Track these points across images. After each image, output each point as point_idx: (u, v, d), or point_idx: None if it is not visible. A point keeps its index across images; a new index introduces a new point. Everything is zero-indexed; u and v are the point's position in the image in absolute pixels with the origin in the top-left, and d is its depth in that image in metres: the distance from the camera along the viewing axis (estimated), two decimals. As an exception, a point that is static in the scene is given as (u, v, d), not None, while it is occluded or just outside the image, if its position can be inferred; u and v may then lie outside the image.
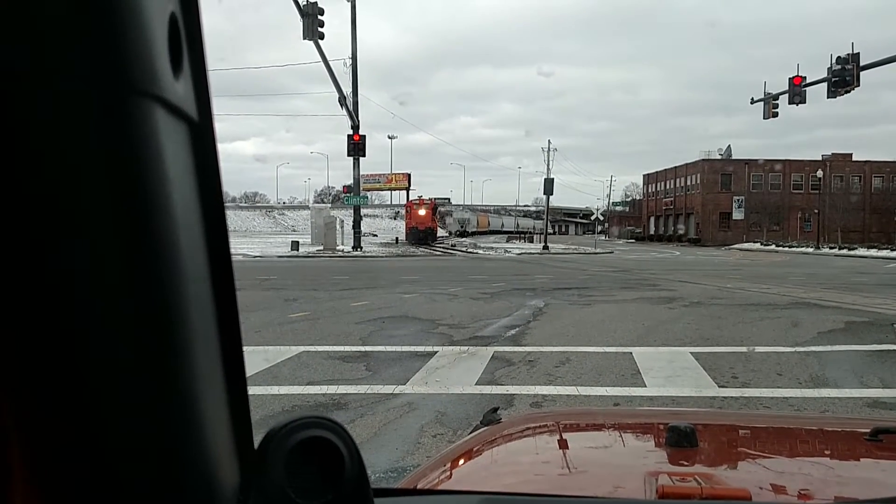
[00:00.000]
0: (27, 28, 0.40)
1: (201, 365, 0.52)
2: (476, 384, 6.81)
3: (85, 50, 0.42)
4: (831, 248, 50.51)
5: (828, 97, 24.51)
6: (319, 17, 29.40)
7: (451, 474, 1.40)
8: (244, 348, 0.61)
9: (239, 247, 37.27)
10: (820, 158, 73.07)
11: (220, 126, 0.56)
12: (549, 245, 47.86)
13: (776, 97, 27.22)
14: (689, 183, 78.62)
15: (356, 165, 37.84)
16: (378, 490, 0.67)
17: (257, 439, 0.63)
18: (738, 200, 72.14)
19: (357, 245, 38.01)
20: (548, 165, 54.30)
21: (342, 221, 43.54)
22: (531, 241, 62.76)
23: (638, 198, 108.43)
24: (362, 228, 41.31)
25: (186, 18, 0.50)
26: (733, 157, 77.16)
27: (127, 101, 0.44)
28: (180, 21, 0.49)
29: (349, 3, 36.10)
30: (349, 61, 36.28)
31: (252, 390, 5.49)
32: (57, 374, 0.45)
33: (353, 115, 35.94)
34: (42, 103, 0.41)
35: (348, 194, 42.16)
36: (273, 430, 0.61)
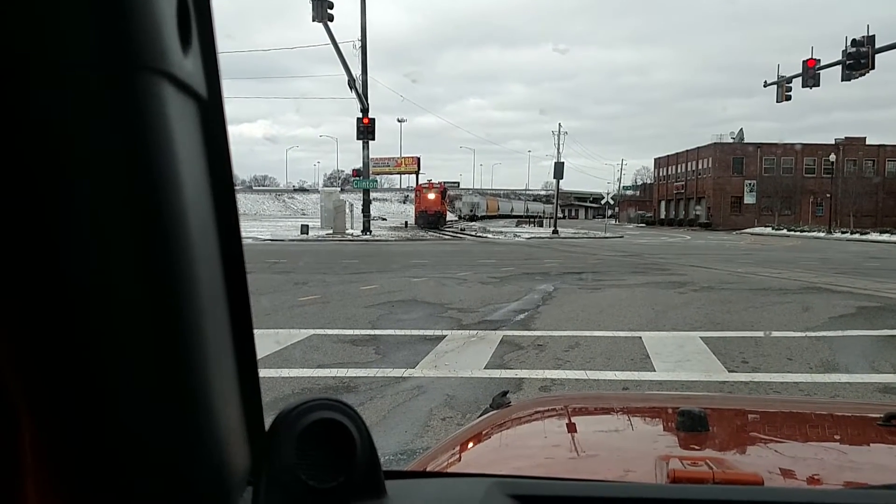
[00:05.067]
0: (37, 6, 0.40)
1: (212, 347, 0.52)
2: (485, 368, 6.83)
3: (92, 24, 0.41)
4: (843, 232, 50.16)
5: (842, 80, 24.23)
6: (329, -1, 29.24)
7: (460, 457, 1.40)
8: (255, 331, 0.60)
9: (249, 230, 37.38)
10: (833, 142, 72.36)
11: (226, 108, 0.55)
12: (559, 229, 47.74)
13: (790, 80, 26.93)
14: (700, 167, 78.10)
15: (365, 149, 37.76)
16: (388, 472, 0.67)
17: (268, 421, 0.63)
18: (750, 184, 71.66)
19: (366, 229, 38.04)
20: (558, 149, 54.05)
21: (351, 205, 43.57)
22: (541, 226, 62.63)
23: (649, 182, 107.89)
24: (371, 212, 41.32)
25: None
26: (746, 140, 76.55)
27: (135, 77, 0.43)
28: None
29: (358, -15, 35.87)
30: (358, 43, 36.14)
31: (263, 372, 5.53)
32: (67, 357, 0.45)
33: (363, 97, 35.82)
34: (50, 80, 0.41)
35: (358, 178, 42.07)
36: (284, 411, 0.61)
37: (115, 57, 0.42)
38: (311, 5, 29.12)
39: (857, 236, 46.57)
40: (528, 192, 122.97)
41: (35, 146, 0.41)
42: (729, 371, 6.72)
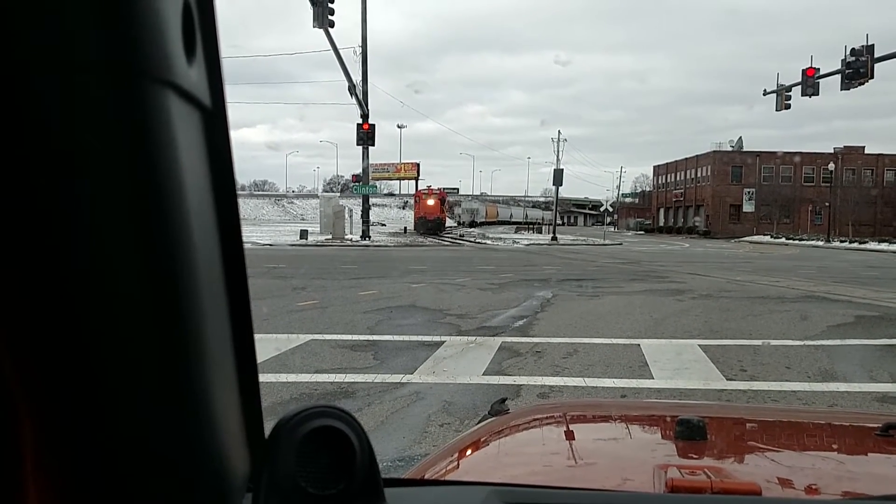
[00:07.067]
0: (41, 14, 0.40)
1: (213, 352, 0.52)
2: (483, 374, 6.82)
3: (99, 36, 0.42)
4: (842, 241, 50.19)
5: (841, 89, 24.30)
6: (329, 4, 29.26)
7: (458, 465, 1.40)
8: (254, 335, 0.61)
9: (248, 235, 37.32)
10: (832, 151, 72.51)
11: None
12: (558, 236, 47.75)
13: (789, 89, 26.99)
14: (699, 174, 78.17)
15: (365, 154, 37.80)
16: (387, 480, 0.67)
17: (267, 427, 0.63)
18: (749, 193, 71.70)
19: (366, 234, 38.03)
20: (557, 156, 54.14)
21: (351, 210, 43.56)
22: (540, 232, 62.67)
23: (648, 189, 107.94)
24: (371, 218, 41.32)
25: (200, 5, 0.49)
26: (745, 148, 76.68)
27: (141, 88, 0.44)
28: (194, 7, 0.48)
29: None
30: (358, 49, 36.18)
31: (262, 377, 5.52)
32: (68, 361, 0.45)
33: (363, 103, 35.86)
34: (55, 90, 0.41)
35: (357, 183, 42.11)
36: (284, 419, 0.61)
37: (119, 65, 0.42)
38: (311, 11, 29.16)
39: (855, 245, 46.59)
40: (527, 198, 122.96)
41: (37, 150, 0.42)
42: (727, 379, 6.71)
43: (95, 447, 0.47)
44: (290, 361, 7.20)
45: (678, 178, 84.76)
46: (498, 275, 18.10)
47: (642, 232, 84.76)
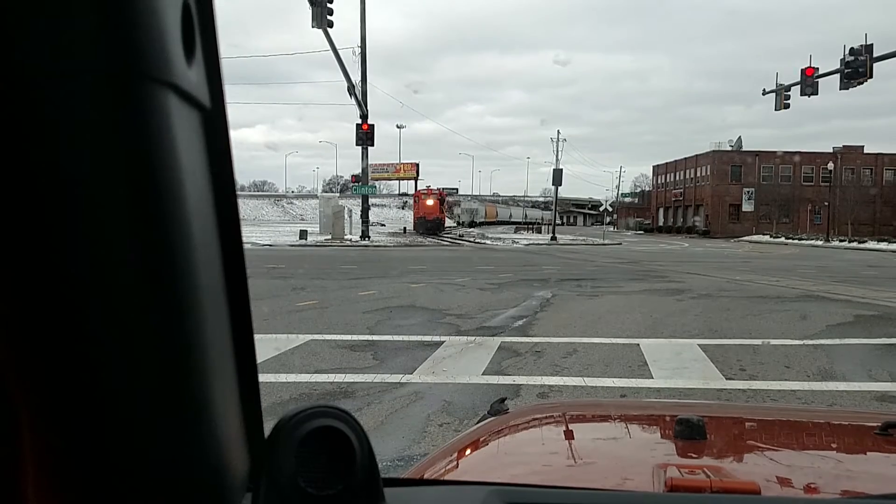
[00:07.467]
0: (41, 15, 0.40)
1: (213, 353, 0.52)
2: (483, 374, 6.82)
3: (98, 36, 0.42)
4: (841, 240, 50.20)
5: (840, 88, 24.33)
6: (328, 4, 29.22)
7: (458, 464, 1.40)
8: (254, 336, 0.61)
9: (248, 235, 37.28)
10: (831, 150, 72.54)
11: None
12: (558, 236, 47.73)
13: (788, 88, 27.02)
14: (699, 174, 78.18)
15: (364, 155, 37.78)
16: (387, 480, 0.67)
17: (267, 427, 0.63)
18: (749, 192, 71.74)
19: (365, 235, 38.02)
20: (557, 156, 54.28)
21: (350, 211, 43.55)
22: (539, 232, 62.66)
23: (647, 189, 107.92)
24: (370, 218, 41.31)
25: (199, 5, 0.49)
26: (744, 148, 76.70)
27: (140, 88, 0.44)
28: (193, 7, 0.48)
29: (358, -9, 35.90)
30: (357, 49, 36.15)
31: (261, 377, 5.51)
32: (68, 361, 0.45)
33: (362, 103, 35.84)
34: (54, 91, 0.41)
35: (357, 183, 42.15)
36: (283, 419, 0.61)
37: (119, 67, 0.42)
38: (310, 11, 29.12)
39: (854, 244, 46.58)
40: (526, 198, 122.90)
41: (37, 152, 0.42)
42: (727, 379, 6.72)
43: (95, 447, 0.47)
44: (290, 361, 7.20)
45: (677, 178, 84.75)
46: (497, 275, 18.10)
47: (642, 232, 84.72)
